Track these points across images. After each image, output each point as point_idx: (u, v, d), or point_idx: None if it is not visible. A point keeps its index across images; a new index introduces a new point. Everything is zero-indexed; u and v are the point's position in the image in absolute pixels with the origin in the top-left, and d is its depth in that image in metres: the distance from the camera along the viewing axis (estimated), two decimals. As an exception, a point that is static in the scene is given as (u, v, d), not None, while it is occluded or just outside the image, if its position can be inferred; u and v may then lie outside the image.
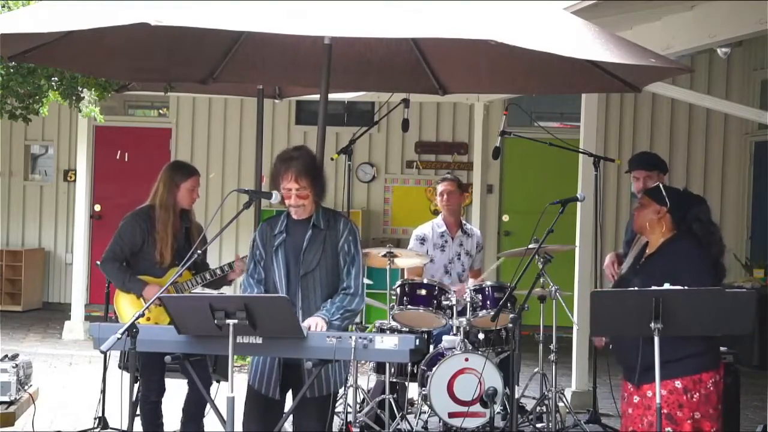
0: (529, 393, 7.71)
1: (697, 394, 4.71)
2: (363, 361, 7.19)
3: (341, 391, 6.85)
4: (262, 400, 4.80)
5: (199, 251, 4.71)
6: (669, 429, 4.68)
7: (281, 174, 4.78)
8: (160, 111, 13.72)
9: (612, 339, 4.94)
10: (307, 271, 4.77)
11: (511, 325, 6.24)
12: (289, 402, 4.85)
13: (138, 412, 6.01)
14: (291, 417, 4.78)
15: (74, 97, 7.22)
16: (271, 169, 4.88)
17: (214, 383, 6.11)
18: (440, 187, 7.57)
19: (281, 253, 4.82)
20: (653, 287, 4.44)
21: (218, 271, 6.03)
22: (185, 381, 6.03)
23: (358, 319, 7.70)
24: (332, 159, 7.40)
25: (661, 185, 4.99)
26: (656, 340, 4.33)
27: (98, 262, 6.06)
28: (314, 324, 4.61)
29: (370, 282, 9.20)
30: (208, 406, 5.34)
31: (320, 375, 4.66)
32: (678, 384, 4.70)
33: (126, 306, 5.96)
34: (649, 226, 4.88)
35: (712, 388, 4.74)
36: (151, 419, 5.97)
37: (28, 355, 8.33)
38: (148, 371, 5.87)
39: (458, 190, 7.63)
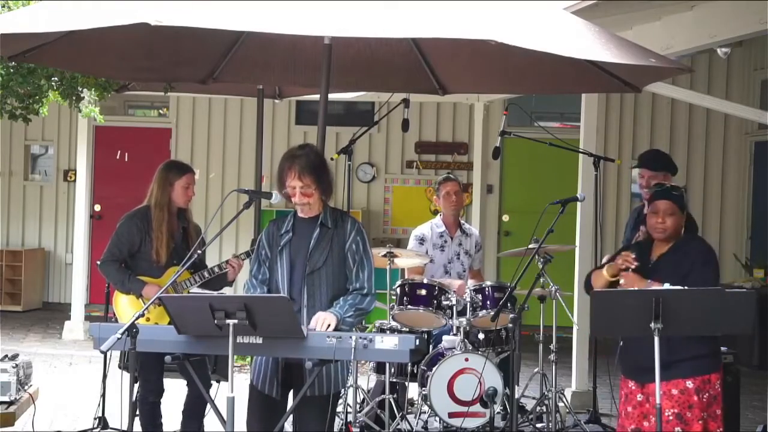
0: (529, 393, 7.72)
1: (707, 394, 4.74)
2: (363, 361, 7.19)
3: (342, 390, 6.89)
4: (265, 399, 4.79)
5: (199, 251, 4.70)
6: (678, 429, 4.71)
7: (285, 172, 4.78)
8: (160, 111, 13.72)
9: (623, 337, 4.94)
10: (313, 270, 4.76)
11: (511, 325, 6.24)
12: (291, 402, 4.85)
13: (137, 412, 6.01)
14: (293, 416, 4.78)
15: (74, 97, 7.22)
16: (279, 167, 4.88)
17: (214, 383, 6.11)
18: (446, 188, 7.52)
19: (286, 252, 4.81)
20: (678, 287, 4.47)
21: (216, 269, 6.04)
22: (185, 381, 6.03)
23: (358, 319, 7.71)
24: (332, 159, 7.36)
25: (683, 192, 5.03)
26: (656, 340, 4.34)
27: (98, 262, 6.06)
28: (323, 320, 4.60)
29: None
30: (208, 405, 5.34)
31: (321, 374, 4.66)
32: (689, 384, 4.74)
33: (125, 306, 5.97)
34: (678, 233, 4.92)
35: (719, 389, 4.79)
36: (150, 420, 5.97)
37: (28, 355, 8.31)
38: (146, 372, 5.88)
39: (461, 190, 7.64)
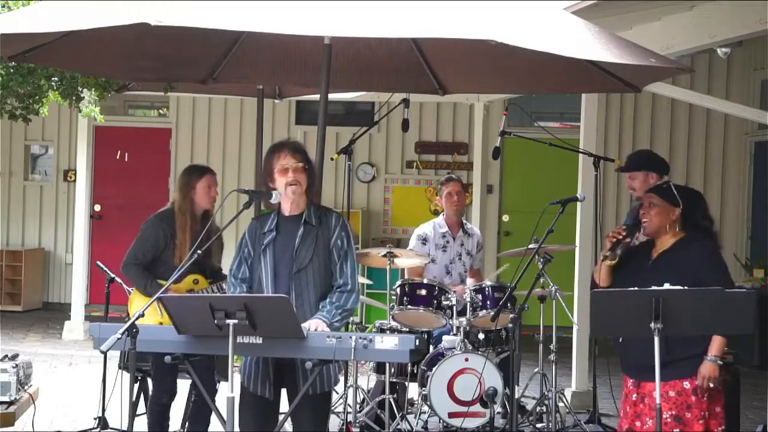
0: (529, 393, 7.71)
1: (705, 393, 4.73)
2: (363, 361, 7.19)
3: (341, 390, 6.89)
4: (257, 399, 4.77)
5: (199, 251, 4.68)
6: (677, 431, 4.70)
7: (276, 156, 4.76)
8: (160, 111, 13.72)
9: (623, 336, 4.93)
10: (300, 268, 4.74)
11: (511, 325, 6.24)
12: (283, 400, 4.84)
13: (145, 411, 6.03)
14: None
15: (74, 97, 7.21)
16: (263, 165, 4.86)
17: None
18: (447, 188, 7.53)
19: (270, 251, 4.79)
20: (674, 286, 4.47)
21: None
22: (188, 382, 6.04)
23: (358, 319, 7.71)
24: (332, 159, 7.39)
25: (672, 184, 5.01)
26: (656, 340, 4.34)
27: (95, 265, 6.05)
28: (314, 327, 4.60)
29: (370, 282, 9.24)
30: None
31: (312, 375, 4.63)
32: (687, 385, 4.73)
33: (138, 308, 5.98)
34: (664, 228, 4.89)
35: (719, 387, 4.77)
36: (159, 421, 5.97)
37: (28, 355, 8.31)
38: (162, 373, 5.87)
39: (462, 190, 7.64)
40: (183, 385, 6.13)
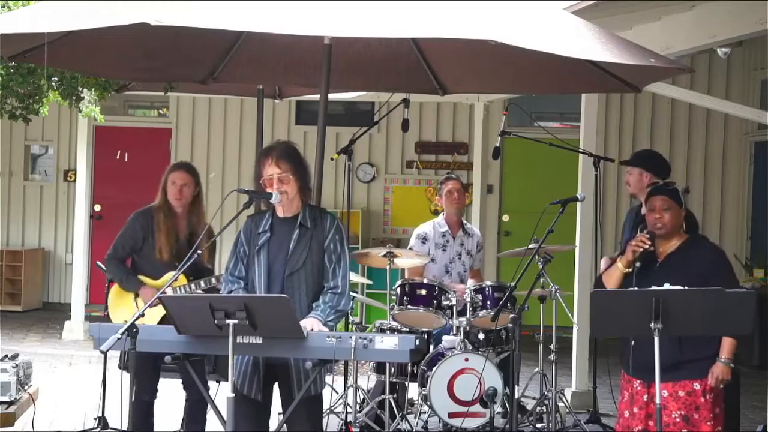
0: (529, 393, 7.71)
1: (712, 395, 4.75)
2: (363, 361, 7.19)
3: (341, 390, 6.89)
4: (248, 400, 4.75)
5: (199, 251, 4.67)
6: (685, 431, 4.72)
7: (262, 163, 4.78)
8: (160, 111, 13.72)
9: (634, 336, 4.93)
10: (293, 271, 4.73)
11: (511, 325, 6.24)
12: (275, 400, 4.83)
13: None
14: (279, 418, 4.75)
15: (74, 97, 7.22)
16: (254, 169, 4.86)
17: (214, 383, 6.09)
18: (447, 186, 7.54)
19: (263, 252, 4.78)
20: (678, 286, 4.48)
21: (213, 280, 6.00)
22: (181, 382, 6.02)
23: (358, 319, 7.71)
24: (332, 159, 7.39)
25: (683, 188, 5.07)
26: (656, 340, 4.34)
27: (95, 265, 6.07)
28: (311, 325, 4.59)
29: (370, 282, 9.24)
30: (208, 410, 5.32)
31: (308, 376, 4.63)
32: (697, 386, 4.76)
33: (113, 303, 6.02)
34: (676, 229, 4.91)
35: (721, 387, 4.80)
36: (145, 419, 5.95)
37: (28, 355, 8.32)
38: (141, 372, 5.86)
39: (462, 189, 7.64)
40: (177, 386, 6.11)
